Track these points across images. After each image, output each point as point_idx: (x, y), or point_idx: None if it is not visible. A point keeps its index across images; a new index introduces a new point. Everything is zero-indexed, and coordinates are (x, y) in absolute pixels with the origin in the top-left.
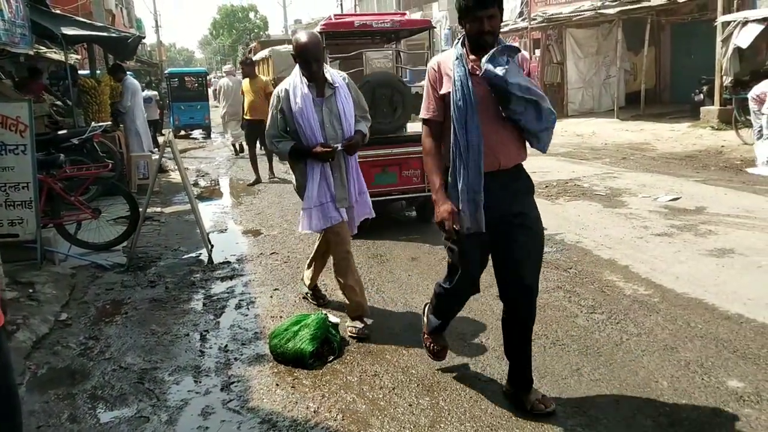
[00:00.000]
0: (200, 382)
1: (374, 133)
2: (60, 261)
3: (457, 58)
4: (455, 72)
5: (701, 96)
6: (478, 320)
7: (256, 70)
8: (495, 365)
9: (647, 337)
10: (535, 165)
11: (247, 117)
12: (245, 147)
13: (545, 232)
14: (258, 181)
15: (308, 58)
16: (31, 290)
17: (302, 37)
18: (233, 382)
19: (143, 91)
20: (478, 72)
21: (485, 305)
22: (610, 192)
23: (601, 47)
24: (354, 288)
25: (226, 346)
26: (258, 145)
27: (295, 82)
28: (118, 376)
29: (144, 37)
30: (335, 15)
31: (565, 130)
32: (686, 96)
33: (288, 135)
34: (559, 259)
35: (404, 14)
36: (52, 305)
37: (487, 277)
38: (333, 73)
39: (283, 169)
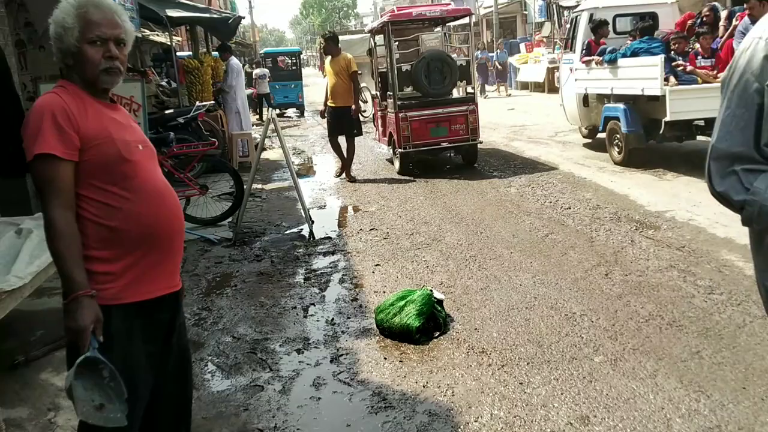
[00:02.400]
0: (310, 353)
1: (429, 96)
2: None
3: None
4: None
5: None
6: (587, 299)
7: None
8: (608, 345)
9: None
10: None
11: (331, 104)
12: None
13: (652, 209)
14: (346, 173)
15: None
16: None
17: None
18: (341, 355)
19: (257, 68)
20: None
21: (594, 284)
22: None
23: None
24: None
25: (333, 319)
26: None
27: None
28: (232, 345)
29: (243, 18)
30: (397, 7)
31: None
32: None
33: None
34: (670, 237)
35: (449, 4)
36: None
37: (585, 255)
38: None
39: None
